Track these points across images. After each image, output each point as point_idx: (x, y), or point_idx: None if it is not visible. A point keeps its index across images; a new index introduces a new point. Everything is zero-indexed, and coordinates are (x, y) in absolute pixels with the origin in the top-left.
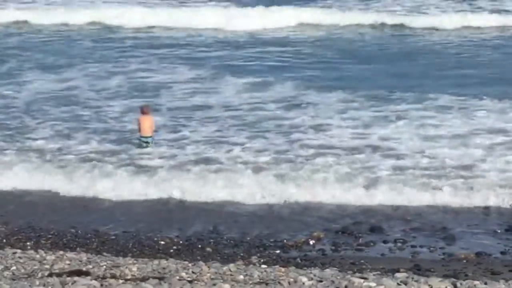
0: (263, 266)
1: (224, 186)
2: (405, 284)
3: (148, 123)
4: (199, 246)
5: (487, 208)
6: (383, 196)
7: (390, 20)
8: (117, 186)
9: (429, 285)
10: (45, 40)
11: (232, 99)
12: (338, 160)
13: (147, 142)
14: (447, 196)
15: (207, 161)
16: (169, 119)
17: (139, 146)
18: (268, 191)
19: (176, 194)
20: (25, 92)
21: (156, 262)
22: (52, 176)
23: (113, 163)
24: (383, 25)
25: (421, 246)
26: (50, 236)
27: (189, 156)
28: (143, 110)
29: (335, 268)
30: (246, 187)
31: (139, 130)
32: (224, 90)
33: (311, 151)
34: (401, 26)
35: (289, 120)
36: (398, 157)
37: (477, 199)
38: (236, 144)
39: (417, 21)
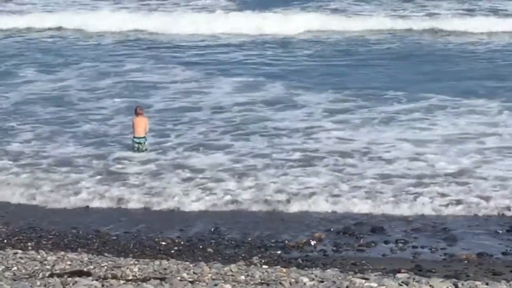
0: (264, 266)
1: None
2: (407, 284)
3: (141, 124)
4: (200, 246)
5: (487, 209)
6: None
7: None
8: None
9: (430, 285)
10: (40, 44)
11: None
12: (328, 165)
13: (139, 143)
14: (447, 199)
15: (194, 166)
16: (158, 121)
17: (133, 147)
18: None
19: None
20: (15, 93)
21: (157, 262)
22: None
23: (90, 168)
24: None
25: (422, 247)
26: (51, 236)
27: (174, 161)
28: (137, 111)
29: (337, 269)
30: (233, 192)
31: (133, 131)
32: (215, 91)
33: (303, 155)
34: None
35: (278, 122)
36: (390, 162)
37: (478, 200)
38: (222, 147)
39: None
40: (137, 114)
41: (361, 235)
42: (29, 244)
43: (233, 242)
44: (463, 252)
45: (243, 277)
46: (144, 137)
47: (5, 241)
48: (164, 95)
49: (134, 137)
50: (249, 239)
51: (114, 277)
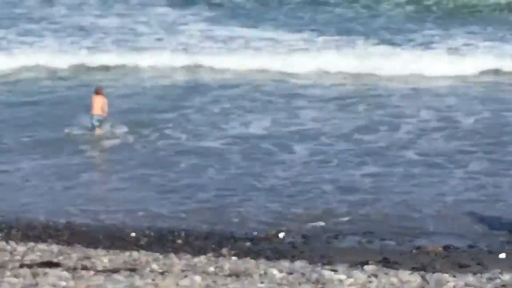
0: (234, 258)
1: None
2: (375, 276)
3: (99, 103)
4: (170, 238)
5: (454, 202)
6: None
7: None
8: None
9: (398, 278)
10: None
11: None
12: None
13: (99, 120)
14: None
15: None
16: None
17: (91, 124)
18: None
19: None
20: None
21: (127, 253)
22: None
23: None
24: None
25: (389, 239)
26: (21, 227)
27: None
28: (97, 91)
29: (305, 261)
30: None
31: (91, 109)
32: None
33: None
34: None
35: None
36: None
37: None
38: None
39: None
40: (96, 93)
41: (329, 227)
42: None
43: (202, 233)
44: (429, 244)
45: (212, 268)
46: (100, 115)
47: None
48: None
49: (93, 115)
50: (219, 230)
51: (84, 268)
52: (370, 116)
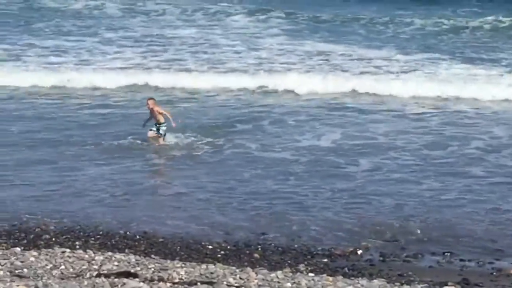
0: (311, 274)
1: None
2: None
3: (158, 112)
4: (247, 251)
5: None
6: None
7: None
8: None
9: None
10: None
11: None
12: None
13: (163, 130)
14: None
15: None
16: None
17: (163, 132)
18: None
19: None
20: None
21: (203, 266)
22: None
23: None
24: None
25: (469, 260)
26: (98, 236)
27: None
28: (152, 103)
29: (383, 279)
30: None
31: (160, 118)
32: None
33: None
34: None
35: None
36: None
37: None
38: None
39: None
40: (152, 106)
41: (408, 246)
42: (77, 243)
43: (279, 248)
44: (510, 266)
45: (289, 284)
46: (164, 124)
47: (53, 239)
48: None
49: (160, 124)
50: (296, 245)
51: (161, 279)
52: (442, 132)
